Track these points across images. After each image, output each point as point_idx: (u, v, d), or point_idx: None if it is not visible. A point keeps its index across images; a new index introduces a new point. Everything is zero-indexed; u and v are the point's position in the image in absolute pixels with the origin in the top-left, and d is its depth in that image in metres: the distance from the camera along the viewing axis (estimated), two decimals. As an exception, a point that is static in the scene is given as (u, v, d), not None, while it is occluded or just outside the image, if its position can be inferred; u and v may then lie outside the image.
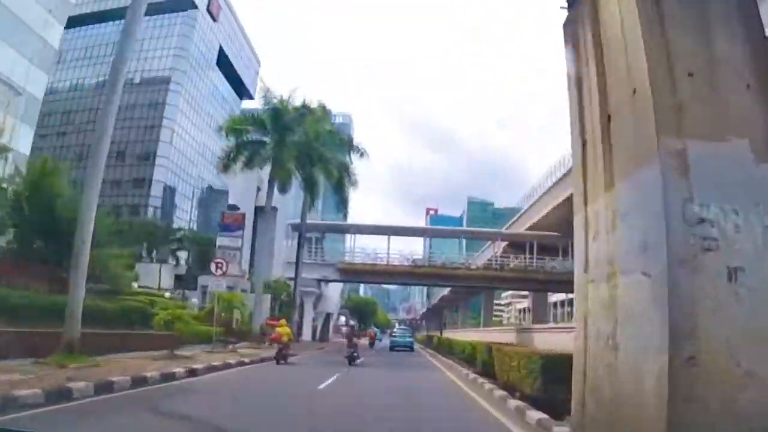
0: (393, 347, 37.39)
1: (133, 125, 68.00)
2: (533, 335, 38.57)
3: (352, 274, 42.50)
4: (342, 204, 38.74)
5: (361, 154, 37.71)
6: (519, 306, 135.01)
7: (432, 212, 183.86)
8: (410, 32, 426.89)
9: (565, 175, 42.54)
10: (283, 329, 18.71)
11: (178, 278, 43.46)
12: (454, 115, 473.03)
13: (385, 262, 42.11)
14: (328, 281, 44.04)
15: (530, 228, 46.35)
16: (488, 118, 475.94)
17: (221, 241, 39.64)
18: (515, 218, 49.66)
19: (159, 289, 41.52)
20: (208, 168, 75.28)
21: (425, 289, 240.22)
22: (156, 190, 62.06)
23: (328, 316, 47.25)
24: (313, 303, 44.66)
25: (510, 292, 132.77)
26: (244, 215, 42.03)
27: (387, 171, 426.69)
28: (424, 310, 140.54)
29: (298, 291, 37.21)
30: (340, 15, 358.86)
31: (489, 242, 47.83)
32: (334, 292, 50.07)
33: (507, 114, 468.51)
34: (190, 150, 68.97)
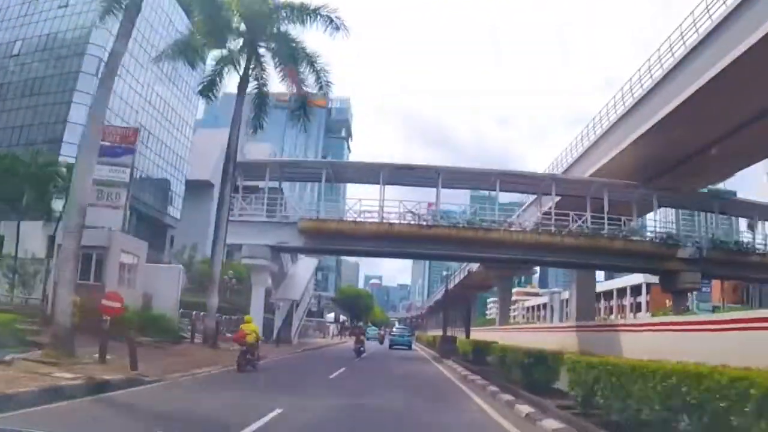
0: (392, 345, 37.56)
1: (52, 56, 52.27)
2: (618, 336, 23.99)
3: (322, 237, 26.63)
4: (302, 110, 23.15)
5: (335, 26, 22.22)
6: (528, 304, 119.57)
7: (432, 207, 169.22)
8: (411, 28, 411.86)
9: (644, 98, 27.17)
10: (249, 327, 15.24)
11: (54, 240, 27.53)
12: (454, 111, 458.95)
13: (377, 219, 26.31)
14: (285, 249, 28.19)
15: (590, 179, 30.63)
16: (489, 115, 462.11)
17: (98, 170, 23.92)
18: (569, 164, 33.80)
19: (15, 256, 25.80)
20: (155, 117, 59.51)
21: (426, 286, 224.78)
22: (71, 135, 46.15)
23: (293, 305, 31.36)
24: (265, 285, 28.87)
25: (515, 288, 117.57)
26: (137, 131, 26.30)
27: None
28: (425, 308, 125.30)
29: (218, 259, 21.40)
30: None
31: (533, 197, 31.91)
32: (304, 270, 34.27)
33: (508, 112, 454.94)
34: (128, 91, 53.14)
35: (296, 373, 14.65)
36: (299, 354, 23.83)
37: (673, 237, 31.13)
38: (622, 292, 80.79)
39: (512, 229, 27.17)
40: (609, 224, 29.31)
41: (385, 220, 26.15)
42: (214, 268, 21.13)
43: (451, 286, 31.52)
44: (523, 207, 32.68)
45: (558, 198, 29.91)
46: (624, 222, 30.25)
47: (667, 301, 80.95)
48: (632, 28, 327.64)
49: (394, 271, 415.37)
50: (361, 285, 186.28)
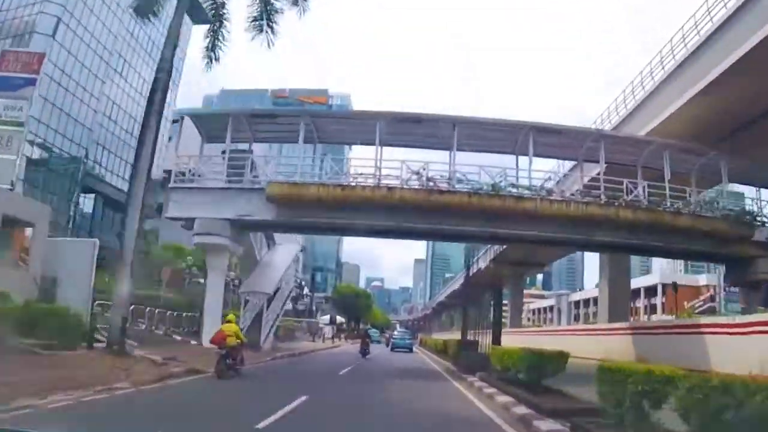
0: (394, 348, 38.43)
1: (7, 17, 45.63)
2: (702, 341, 18.21)
3: (298, 207, 19.91)
4: (264, 17, 16.65)
5: None
6: (532, 306, 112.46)
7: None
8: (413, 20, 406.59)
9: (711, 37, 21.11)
10: (230, 327, 13.54)
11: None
12: (455, 110, 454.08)
13: (372, 182, 19.60)
14: (249, 224, 21.36)
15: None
16: (490, 113, 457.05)
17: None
18: (616, 124, 27.05)
19: None
20: (124, 89, 52.84)
21: (428, 288, 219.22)
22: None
23: (265, 301, 24.46)
24: (223, 271, 22.22)
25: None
26: (42, 56, 19.83)
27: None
28: (429, 309, 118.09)
29: (131, 227, 14.60)
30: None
31: (573, 165, 25.23)
32: (282, 258, 27.45)
33: (509, 111, 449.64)
34: (90, 55, 46.50)
35: (206, 411, 7.86)
36: (261, 365, 17.05)
37: (750, 213, 24.45)
38: (635, 293, 75.10)
39: (552, 197, 20.37)
40: (671, 197, 22.61)
41: (383, 184, 19.42)
42: (126, 239, 14.33)
43: (474, 270, 24.11)
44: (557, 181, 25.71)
45: (604, 166, 23.11)
46: (689, 194, 23.64)
47: (685, 302, 74.37)
48: (635, 29, 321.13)
49: (396, 274, 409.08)
50: (362, 287, 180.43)
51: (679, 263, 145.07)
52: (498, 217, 19.98)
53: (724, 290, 70.56)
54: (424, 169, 19.42)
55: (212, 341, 14.29)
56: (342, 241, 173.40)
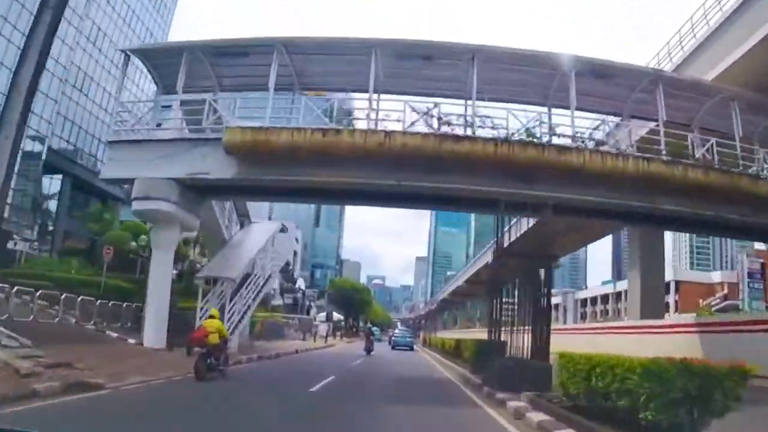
0: (395, 346, 40.08)
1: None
2: None
3: (265, 161, 14.90)
4: None
5: None
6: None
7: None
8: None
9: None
10: (212, 323, 12.08)
11: None
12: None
13: (366, 126, 14.64)
14: (204, 184, 16.33)
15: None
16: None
17: None
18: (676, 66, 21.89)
19: None
20: (89, 51, 47.66)
21: (429, 286, 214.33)
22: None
23: (228, 290, 19.39)
24: (171, 247, 17.25)
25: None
26: None
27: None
28: (434, 304, 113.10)
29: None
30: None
31: (619, 120, 20.11)
32: (254, 238, 22.32)
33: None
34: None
35: None
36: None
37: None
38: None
39: (603, 149, 15.33)
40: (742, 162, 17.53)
41: (379, 128, 14.41)
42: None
43: (509, 240, 17.86)
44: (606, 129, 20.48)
45: (664, 117, 17.93)
46: (764, 157, 18.59)
47: (700, 300, 68.96)
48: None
49: (397, 272, 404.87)
50: (363, 275, 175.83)
51: (685, 259, 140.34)
52: (531, 175, 14.95)
53: (748, 286, 65.42)
54: (435, 106, 14.39)
55: (192, 339, 12.67)
56: (342, 237, 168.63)
